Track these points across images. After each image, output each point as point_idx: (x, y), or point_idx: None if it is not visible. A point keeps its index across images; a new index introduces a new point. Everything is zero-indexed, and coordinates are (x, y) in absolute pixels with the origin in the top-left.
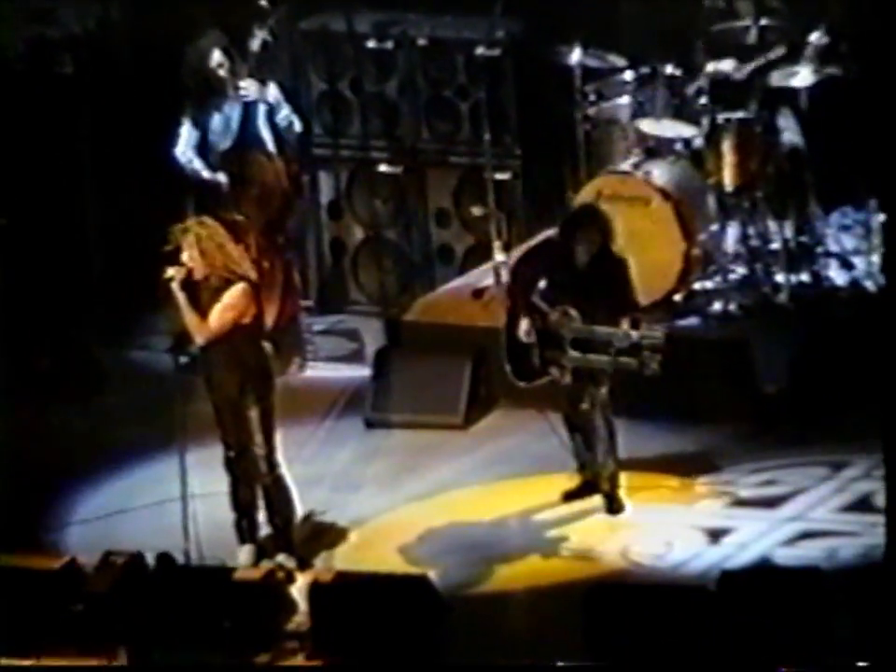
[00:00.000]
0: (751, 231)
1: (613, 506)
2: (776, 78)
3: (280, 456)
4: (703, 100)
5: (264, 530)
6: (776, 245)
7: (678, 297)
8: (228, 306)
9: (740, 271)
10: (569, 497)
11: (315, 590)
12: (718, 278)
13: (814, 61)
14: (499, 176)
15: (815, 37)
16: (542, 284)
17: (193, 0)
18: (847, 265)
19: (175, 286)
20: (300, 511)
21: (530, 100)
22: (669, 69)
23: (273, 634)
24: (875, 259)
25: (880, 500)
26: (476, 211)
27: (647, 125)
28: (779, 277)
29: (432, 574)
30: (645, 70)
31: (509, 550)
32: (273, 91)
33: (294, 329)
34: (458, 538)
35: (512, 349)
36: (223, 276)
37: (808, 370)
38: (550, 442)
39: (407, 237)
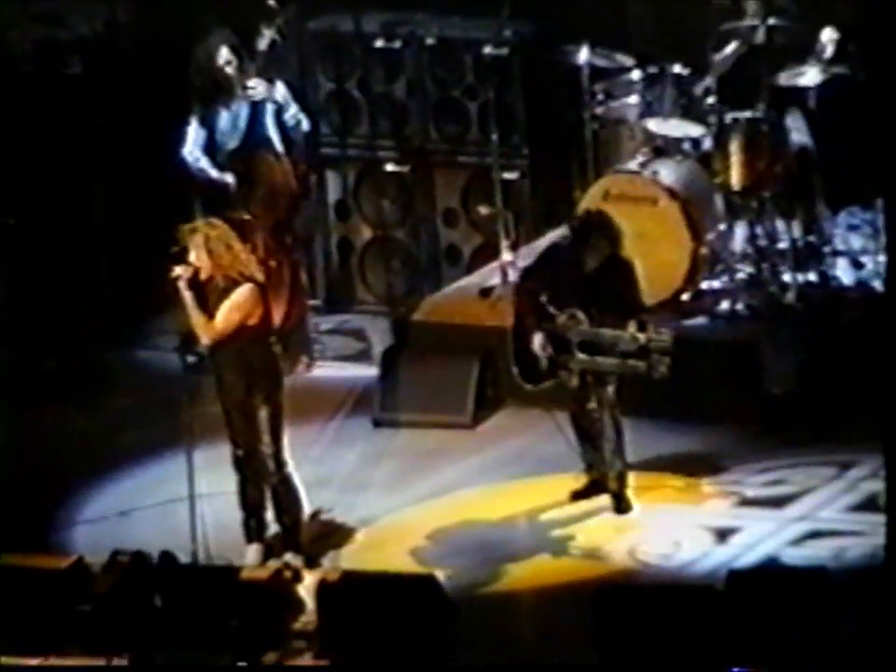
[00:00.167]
0: (759, 230)
1: (621, 506)
2: (784, 78)
3: (288, 456)
4: (711, 99)
5: (272, 529)
6: (783, 245)
7: (685, 296)
8: (234, 307)
9: (748, 270)
10: (577, 496)
11: (322, 589)
12: (725, 278)
13: (822, 60)
14: (507, 176)
15: (823, 37)
16: (550, 289)
17: (201, 1)
18: (854, 265)
19: (182, 285)
20: (307, 510)
21: (538, 100)
22: (677, 68)
23: (281, 633)
24: (883, 258)
25: None
26: (484, 210)
27: (654, 125)
28: (787, 277)
29: (440, 574)
30: (653, 69)
31: (516, 550)
32: (280, 91)
33: (301, 328)
34: (466, 538)
35: (520, 352)
36: (230, 277)
37: (816, 369)
38: (557, 442)
39: (415, 237)
